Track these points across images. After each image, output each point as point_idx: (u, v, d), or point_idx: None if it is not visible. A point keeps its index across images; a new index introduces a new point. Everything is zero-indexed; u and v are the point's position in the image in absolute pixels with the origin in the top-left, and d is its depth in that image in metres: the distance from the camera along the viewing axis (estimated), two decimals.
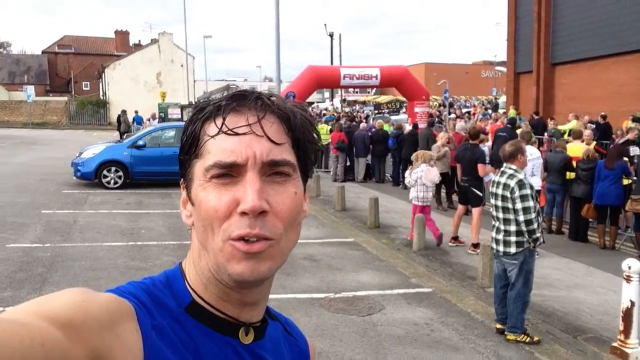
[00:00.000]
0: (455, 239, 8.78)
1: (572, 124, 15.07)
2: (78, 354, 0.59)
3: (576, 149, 9.76)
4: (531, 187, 5.18)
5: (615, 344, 4.82)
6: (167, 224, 9.69)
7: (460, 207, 8.96)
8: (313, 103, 51.83)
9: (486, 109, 30.84)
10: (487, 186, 9.92)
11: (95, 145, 15.05)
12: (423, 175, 8.61)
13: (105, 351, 0.63)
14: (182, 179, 0.83)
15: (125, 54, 48.59)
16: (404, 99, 27.52)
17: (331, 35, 43.98)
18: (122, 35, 59.55)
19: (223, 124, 0.76)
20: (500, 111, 25.71)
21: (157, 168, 13.31)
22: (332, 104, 46.96)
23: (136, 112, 28.58)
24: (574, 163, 9.18)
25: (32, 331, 0.56)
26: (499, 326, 5.41)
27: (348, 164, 16.32)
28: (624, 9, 18.71)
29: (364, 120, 22.31)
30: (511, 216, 5.15)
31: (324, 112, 38.25)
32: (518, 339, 5.17)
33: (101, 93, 46.10)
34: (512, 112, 25.71)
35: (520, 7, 24.61)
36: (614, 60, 19.45)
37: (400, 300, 6.30)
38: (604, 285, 6.95)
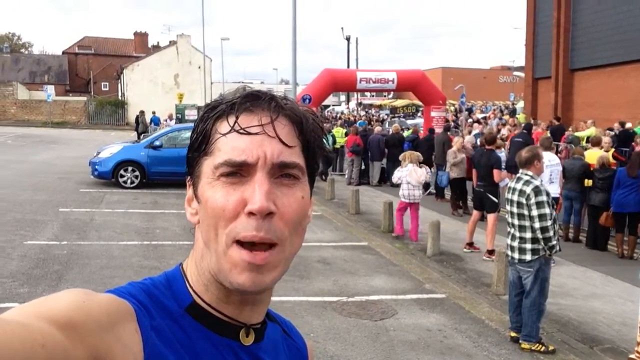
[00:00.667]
0: (470, 245, 8.70)
1: (591, 131, 14.87)
2: (79, 355, 0.59)
3: (595, 156, 9.62)
4: (547, 194, 5.12)
5: (632, 356, 4.73)
6: (182, 224, 9.75)
7: (475, 213, 8.88)
8: (329, 106, 51.88)
9: (502, 114, 30.58)
10: (503, 192, 9.86)
11: (113, 145, 15.22)
12: (408, 174, 9.00)
13: (106, 352, 0.62)
14: (189, 176, 0.83)
15: (144, 55, 49.07)
16: (420, 103, 27.41)
17: (348, 39, 44.04)
18: (141, 36, 60.16)
19: (236, 122, 0.76)
20: (521, 117, 25.48)
21: (173, 168, 13.42)
22: (348, 107, 46.96)
23: (154, 113, 28.83)
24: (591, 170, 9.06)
25: (32, 332, 0.56)
26: (513, 334, 5.34)
27: (363, 167, 16.29)
28: None
29: (379, 124, 22.19)
30: (527, 223, 5.09)
31: (340, 115, 38.26)
32: (533, 347, 5.10)
33: (120, 94, 46.59)
34: (521, 117, 25.40)
35: (540, 12, 24.39)
36: (634, 67, 19.17)
37: (413, 306, 6.26)
38: (621, 295, 6.84)
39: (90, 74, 57.15)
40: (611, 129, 14.97)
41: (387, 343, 5.21)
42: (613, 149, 10.57)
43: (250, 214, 0.73)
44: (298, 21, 15.51)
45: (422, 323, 5.74)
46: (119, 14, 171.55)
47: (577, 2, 22.11)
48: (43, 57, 60.58)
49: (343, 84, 22.09)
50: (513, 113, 31.03)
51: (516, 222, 5.20)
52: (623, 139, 13.84)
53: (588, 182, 9.01)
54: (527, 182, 5.15)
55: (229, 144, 0.76)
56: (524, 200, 5.10)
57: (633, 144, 12.92)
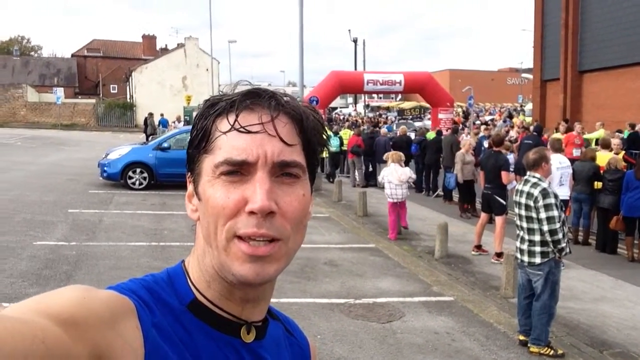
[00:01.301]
0: (479, 247, 8.66)
1: (599, 133, 14.77)
2: (79, 351, 0.59)
3: (604, 158, 9.55)
4: (555, 196, 5.09)
5: None
6: (190, 225, 9.73)
7: (483, 215, 8.84)
8: (336, 108, 51.89)
9: (509, 116, 30.46)
10: (511, 194, 9.81)
11: (122, 146, 15.30)
12: (389, 174, 9.21)
13: (107, 348, 0.62)
14: (189, 173, 0.83)
15: (152, 57, 49.35)
16: (427, 105, 27.36)
17: (355, 41, 44.06)
18: (149, 39, 60.50)
19: (236, 120, 0.76)
20: (528, 119, 25.34)
21: (181, 170, 13.45)
22: (355, 109, 46.94)
23: (162, 115, 28.98)
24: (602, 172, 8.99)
25: (33, 328, 0.56)
26: (521, 338, 5.31)
27: (370, 169, 16.27)
28: None
29: (384, 126, 22.14)
30: (535, 226, 5.06)
31: (348, 117, 38.24)
32: (541, 351, 5.06)
33: (128, 96, 46.87)
34: (515, 121, 25.30)
35: (547, 13, 24.29)
36: None
37: (421, 308, 6.24)
38: (631, 298, 6.78)
39: (99, 77, 57.51)
40: (620, 131, 14.86)
41: (394, 346, 5.19)
42: (623, 152, 10.48)
43: (252, 213, 0.73)
44: (305, 23, 15.56)
45: (429, 326, 5.72)
46: (127, 16, 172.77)
47: (585, 3, 22.01)
48: (52, 60, 61.03)
49: (350, 86, 22.14)
50: (521, 114, 30.91)
51: (525, 225, 5.17)
52: (633, 141, 13.72)
53: (598, 185, 8.94)
54: (534, 185, 5.12)
55: (229, 143, 0.75)
56: (531, 203, 5.07)
57: None
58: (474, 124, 23.10)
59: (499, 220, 8.38)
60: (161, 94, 42.09)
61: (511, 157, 12.10)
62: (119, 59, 59.47)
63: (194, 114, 0.84)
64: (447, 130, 16.57)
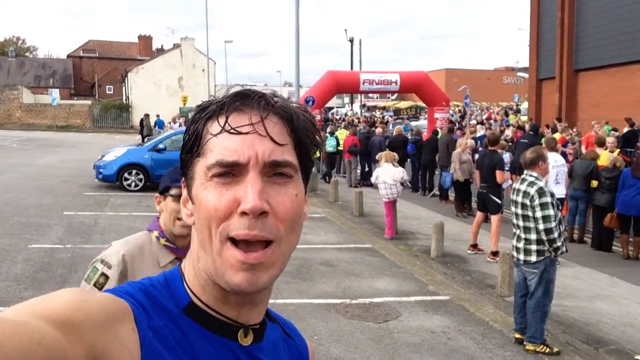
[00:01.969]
0: (475, 246, 8.67)
1: (601, 132, 14.77)
2: (76, 353, 0.59)
3: (602, 157, 9.57)
4: (552, 195, 5.09)
5: (638, 357, 4.71)
6: None
7: (479, 214, 8.85)
8: (332, 108, 51.89)
9: (506, 114, 30.52)
10: (507, 193, 9.83)
11: (117, 148, 15.27)
12: (383, 173, 9.28)
13: (103, 351, 0.62)
14: (183, 178, 0.83)
15: (148, 58, 49.25)
16: (423, 104, 27.39)
17: (351, 41, 44.08)
18: (145, 40, 60.37)
19: (226, 122, 0.76)
20: (523, 118, 25.39)
21: None
22: (351, 109, 46.94)
23: (157, 116, 28.92)
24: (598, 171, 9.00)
25: (30, 330, 0.56)
26: (517, 336, 5.32)
27: (367, 169, 16.28)
28: None
29: (380, 125, 22.05)
30: (531, 224, 5.07)
31: (344, 117, 38.24)
32: (537, 349, 5.07)
33: (124, 97, 46.77)
34: (511, 119, 25.29)
35: (543, 12, 24.34)
36: (639, 67, 19.10)
37: (417, 308, 6.24)
38: (627, 296, 6.80)
39: (94, 78, 57.39)
40: (616, 129, 14.90)
41: (390, 345, 5.19)
42: (618, 150, 10.51)
43: (243, 213, 0.73)
44: (302, 23, 15.57)
45: (425, 325, 5.72)
46: (123, 17, 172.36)
47: (580, 2, 22.06)
48: (48, 61, 60.85)
49: (346, 85, 22.12)
50: (517, 114, 30.99)
51: (521, 223, 5.17)
52: (629, 139, 13.75)
53: (594, 183, 8.97)
54: (531, 183, 5.13)
55: (220, 145, 0.76)
56: (528, 202, 5.08)
57: (638, 144, 12.87)
58: (469, 123, 23.12)
59: (494, 219, 8.40)
60: (157, 94, 41.99)
61: (507, 156, 12.12)
62: (114, 59, 59.33)
63: (190, 114, 0.84)
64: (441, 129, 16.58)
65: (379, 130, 16.97)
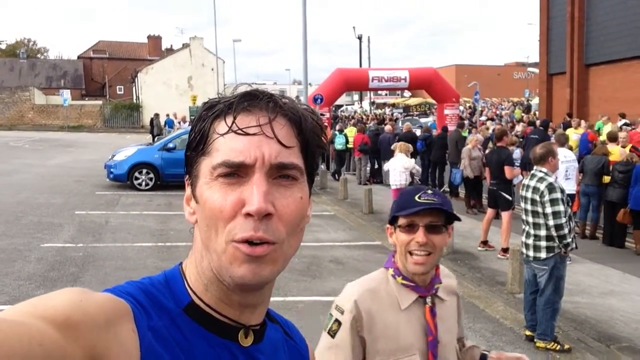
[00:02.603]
0: (485, 243, 8.62)
1: (608, 127, 14.64)
2: (75, 354, 0.59)
3: (613, 152, 9.47)
4: (562, 191, 5.05)
5: None
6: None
7: (490, 211, 8.80)
8: (342, 106, 51.82)
9: (514, 109, 30.28)
10: (517, 189, 9.76)
11: (128, 147, 15.38)
12: (396, 162, 9.56)
13: (102, 351, 0.62)
14: (187, 175, 0.83)
15: (158, 58, 49.46)
16: (433, 101, 27.28)
17: (360, 38, 43.99)
18: (155, 40, 60.65)
19: (233, 122, 0.75)
20: (515, 113, 25.13)
21: None
22: (361, 107, 46.85)
23: (167, 115, 29.06)
24: (610, 166, 8.91)
25: (30, 331, 0.56)
26: (528, 333, 5.29)
27: (376, 166, 16.25)
28: None
29: (389, 123, 21.98)
30: (541, 220, 5.03)
31: (353, 114, 38.18)
32: (548, 346, 5.04)
33: (134, 97, 47.03)
34: (517, 113, 25.03)
35: (553, 7, 24.11)
36: None
37: None
38: (639, 292, 6.73)
39: (105, 78, 57.77)
40: (628, 124, 14.73)
41: None
42: (630, 144, 10.39)
43: (248, 215, 0.72)
44: (311, 21, 15.59)
45: None
46: (132, 17, 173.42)
47: None
48: (59, 62, 61.35)
49: (355, 83, 22.09)
50: (528, 110, 30.74)
51: (531, 219, 5.14)
52: None
53: (606, 179, 8.87)
54: (541, 179, 5.09)
55: (226, 145, 0.75)
56: (537, 198, 5.04)
57: None
58: (479, 120, 23.00)
59: (505, 215, 8.34)
60: (167, 94, 42.18)
61: (518, 152, 12.03)
62: (124, 60, 59.68)
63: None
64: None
65: (388, 127, 16.93)
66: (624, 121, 15.43)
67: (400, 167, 9.38)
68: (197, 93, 38.06)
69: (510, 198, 8.46)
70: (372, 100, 47.44)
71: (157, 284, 0.80)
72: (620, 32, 20.05)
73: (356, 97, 55.95)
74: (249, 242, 0.73)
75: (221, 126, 0.77)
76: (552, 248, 5.00)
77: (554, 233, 4.93)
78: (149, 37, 61.18)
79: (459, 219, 1.76)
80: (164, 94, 42.06)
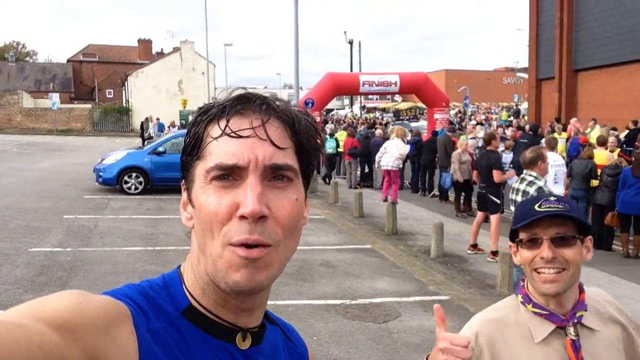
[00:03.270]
0: (474, 246, 8.66)
1: (596, 131, 14.80)
2: (74, 356, 0.59)
3: (600, 156, 9.57)
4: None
5: None
6: (186, 229, 9.74)
7: (479, 214, 8.84)
8: (332, 110, 51.91)
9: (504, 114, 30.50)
10: (508, 192, 9.82)
11: (117, 151, 15.28)
12: (390, 147, 10.04)
13: (101, 354, 0.62)
14: (183, 180, 0.83)
15: (148, 62, 49.33)
16: (423, 105, 27.42)
17: (351, 43, 44.16)
18: (145, 43, 60.52)
19: (227, 126, 0.76)
20: (502, 114, 25.33)
21: (177, 174, 13.10)
22: (352, 111, 46.96)
23: (157, 119, 28.97)
24: (599, 170, 9.01)
25: (29, 333, 0.55)
26: None
27: (367, 170, 16.28)
28: None
29: (379, 127, 22.05)
30: None
31: (344, 119, 38.26)
32: None
33: (124, 100, 46.84)
34: (504, 115, 25.19)
35: (542, 12, 24.38)
36: (639, 66, 19.10)
37: (417, 308, 6.23)
38: (628, 294, 6.79)
39: (94, 82, 57.51)
40: (615, 129, 14.90)
41: (390, 345, 5.18)
42: (618, 149, 10.52)
43: (242, 217, 0.72)
44: (302, 25, 15.61)
45: (425, 325, 5.71)
46: (122, 21, 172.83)
47: (579, 2, 22.09)
48: (48, 66, 61.00)
49: (346, 87, 22.15)
50: (517, 114, 30.98)
51: None
52: (632, 138, 13.75)
53: (594, 183, 8.96)
54: (530, 183, 5.13)
55: (220, 148, 0.75)
56: None
57: (637, 143, 12.86)
58: (468, 124, 23.12)
59: (493, 218, 8.38)
60: (157, 98, 42.03)
61: (509, 156, 12.10)
62: (114, 63, 59.48)
63: (190, 118, 0.85)
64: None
65: (378, 131, 16.97)
66: (607, 127, 15.60)
67: (396, 152, 9.57)
68: (188, 97, 37.98)
69: (498, 201, 8.51)
70: (362, 104, 47.56)
71: (156, 287, 0.80)
72: (609, 38, 20.30)
73: (347, 101, 56.08)
74: (246, 245, 0.72)
75: (215, 130, 0.77)
76: None
77: None
78: (139, 40, 61.05)
79: (590, 228, 1.51)
80: (154, 97, 41.91)
